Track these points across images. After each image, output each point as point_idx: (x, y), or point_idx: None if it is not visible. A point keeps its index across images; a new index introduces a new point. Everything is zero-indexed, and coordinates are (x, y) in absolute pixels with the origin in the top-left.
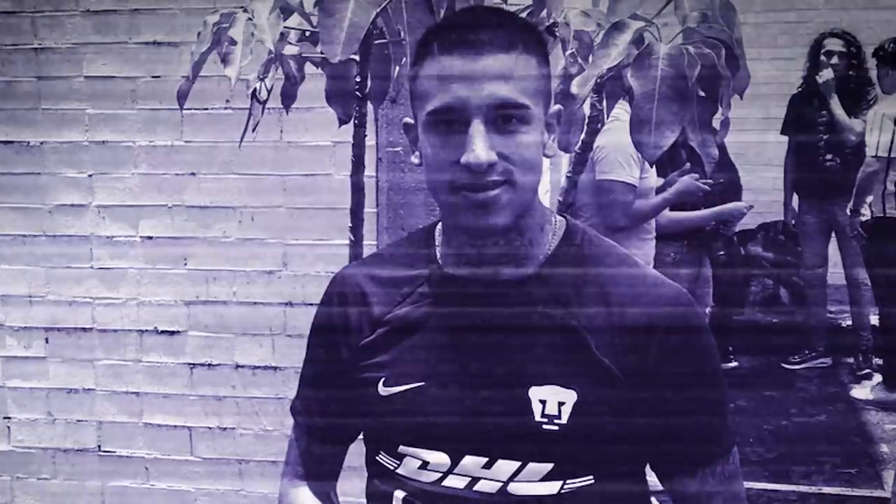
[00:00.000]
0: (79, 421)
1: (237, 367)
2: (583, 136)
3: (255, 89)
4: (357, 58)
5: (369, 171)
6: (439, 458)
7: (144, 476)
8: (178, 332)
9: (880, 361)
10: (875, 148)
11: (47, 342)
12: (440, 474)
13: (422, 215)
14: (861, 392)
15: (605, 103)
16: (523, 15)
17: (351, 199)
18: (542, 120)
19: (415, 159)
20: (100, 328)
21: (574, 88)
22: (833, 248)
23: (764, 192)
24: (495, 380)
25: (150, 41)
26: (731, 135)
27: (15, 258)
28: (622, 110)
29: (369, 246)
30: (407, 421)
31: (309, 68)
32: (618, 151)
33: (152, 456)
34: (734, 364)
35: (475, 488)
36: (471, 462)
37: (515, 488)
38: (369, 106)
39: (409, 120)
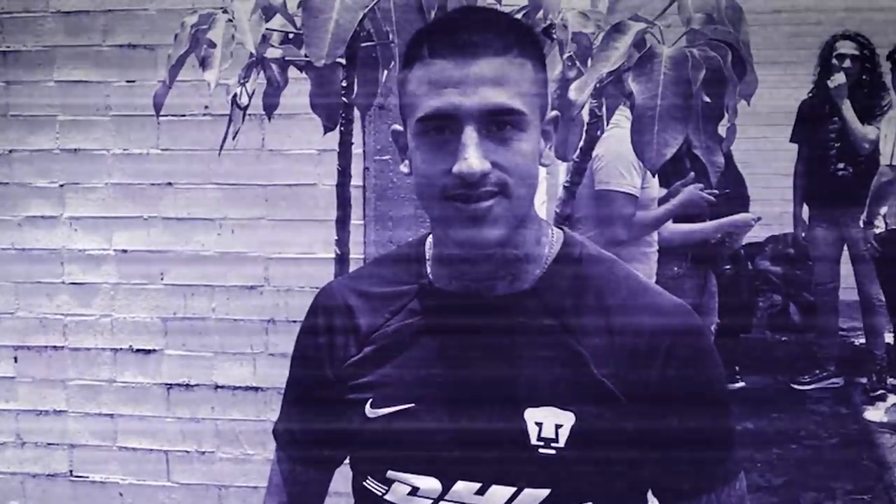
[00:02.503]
0: (49, 444)
1: (216, 387)
2: (581, 143)
3: (235, 94)
4: (343, 61)
5: (356, 180)
6: (430, 484)
7: (119, 503)
8: (154, 350)
9: (895, 382)
10: (889, 156)
11: (16, 361)
12: (431, 501)
13: (411, 227)
14: (875, 414)
15: (604, 109)
16: (519, 16)
17: (336, 211)
18: (539, 127)
19: (404, 168)
20: (72, 346)
21: (572, 94)
22: (845, 262)
23: (773, 203)
24: (489, 401)
25: (124, 44)
26: (738, 142)
27: None
28: (623, 117)
29: (356, 259)
30: (395, 444)
31: (292, 72)
32: (618, 160)
33: (127, 481)
34: (741, 384)
35: None
36: (463, 488)
37: None
38: (356, 112)
39: (398, 127)
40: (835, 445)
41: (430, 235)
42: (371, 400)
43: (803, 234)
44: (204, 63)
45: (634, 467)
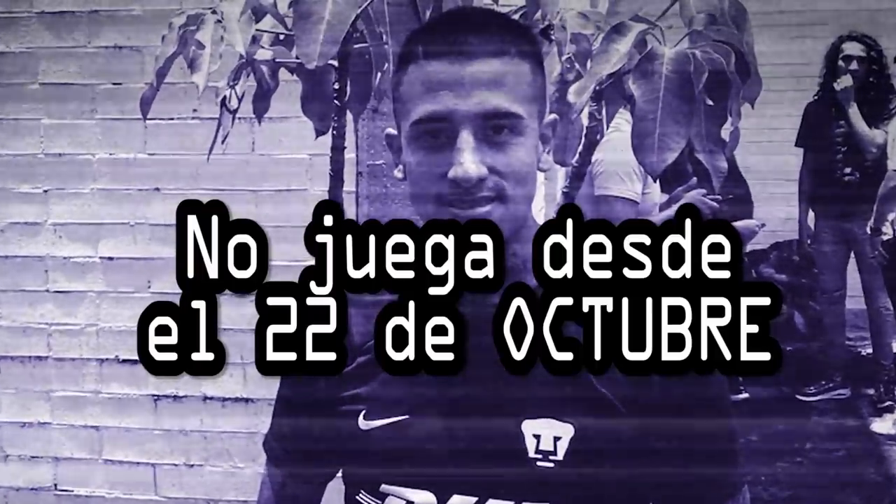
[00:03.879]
0: (33, 457)
1: (205, 398)
2: (580, 148)
3: (224, 97)
4: (335, 63)
5: (349, 186)
6: (425, 498)
7: None
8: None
9: None
10: None
11: None
12: None
13: None
14: (882, 426)
15: (604, 112)
16: (516, 16)
17: None
18: (537, 130)
19: (398, 173)
20: (56, 356)
21: (571, 96)
22: (852, 270)
23: (777, 209)
24: (485, 413)
25: (110, 45)
26: (741, 146)
27: None
28: (623, 120)
29: None
30: (389, 457)
31: (283, 74)
32: (618, 165)
33: (113, 495)
34: (745, 395)
35: None
36: (459, 502)
37: None
38: (348, 115)
39: (392, 130)
40: (841, 458)
41: None
42: (364, 412)
43: (808, 241)
44: (192, 65)
45: (635, 482)
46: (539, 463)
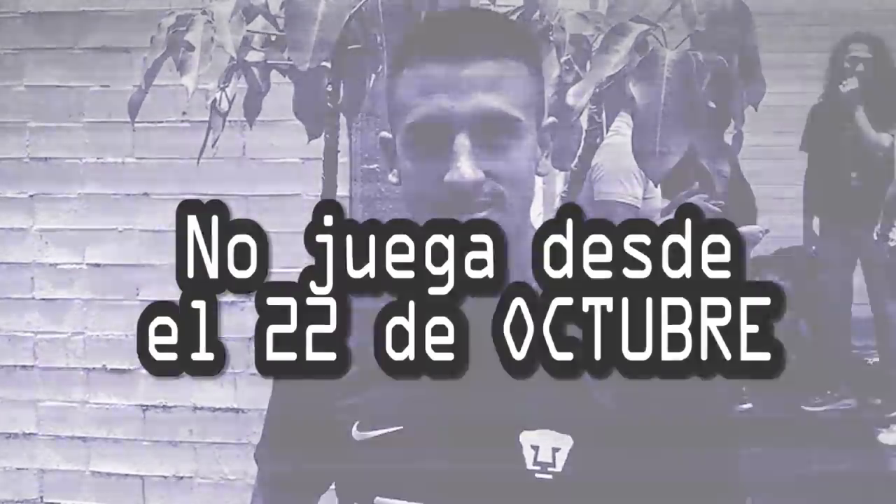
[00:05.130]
0: (19, 469)
1: (195, 408)
2: (579, 151)
3: (214, 100)
4: (328, 65)
5: (342, 190)
6: None
7: None
8: (129, 370)
9: None
10: None
11: None
12: None
13: None
14: (890, 437)
15: (604, 115)
16: (514, 17)
17: None
18: (535, 134)
19: (393, 178)
20: (42, 365)
21: (570, 99)
22: (858, 277)
23: (781, 215)
24: (482, 423)
25: (98, 46)
26: (744, 150)
27: None
28: (623, 123)
29: None
30: (383, 469)
31: (275, 76)
32: (618, 169)
33: None
34: (748, 406)
35: None
36: None
37: None
38: (342, 118)
39: (387, 134)
40: (847, 471)
41: None
42: (358, 422)
43: (814, 248)
44: (182, 67)
45: (635, 495)
46: (537, 475)
